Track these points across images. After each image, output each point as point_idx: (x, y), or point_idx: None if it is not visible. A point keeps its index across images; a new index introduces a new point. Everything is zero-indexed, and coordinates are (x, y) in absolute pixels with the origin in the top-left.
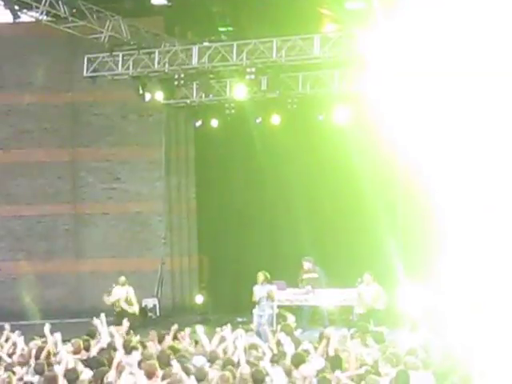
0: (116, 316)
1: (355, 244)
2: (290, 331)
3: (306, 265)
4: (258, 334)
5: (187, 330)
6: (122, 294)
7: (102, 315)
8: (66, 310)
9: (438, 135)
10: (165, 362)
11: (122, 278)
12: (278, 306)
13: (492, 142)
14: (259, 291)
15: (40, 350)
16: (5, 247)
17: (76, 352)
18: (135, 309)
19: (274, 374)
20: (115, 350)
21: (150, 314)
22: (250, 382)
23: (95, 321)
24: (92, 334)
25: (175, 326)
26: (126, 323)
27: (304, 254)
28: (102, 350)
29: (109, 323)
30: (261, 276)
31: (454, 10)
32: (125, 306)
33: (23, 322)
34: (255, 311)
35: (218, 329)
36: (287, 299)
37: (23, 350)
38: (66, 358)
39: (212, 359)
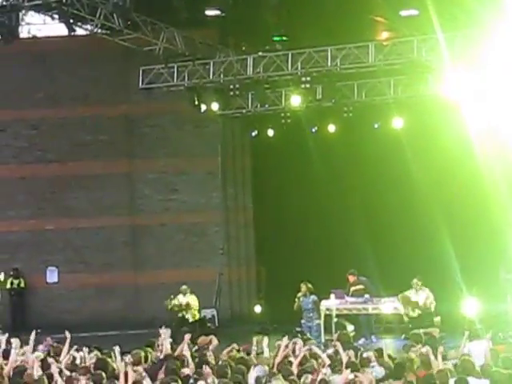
0: (175, 324)
1: (413, 253)
2: (347, 340)
3: (351, 278)
4: None
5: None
6: (184, 302)
7: (164, 329)
8: (125, 322)
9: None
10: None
11: (184, 287)
12: (337, 316)
13: None
14: (305, 304)
15: (99, 361)
16: (63, 260)
17: (136, 363)
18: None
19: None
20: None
21: (208, 325)
22: None
23: (162, 330)
24: (151, 344)
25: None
26: (187, 337)
27: (361, 264)
28: (160, 360)
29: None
30: (303, 287)
31: None
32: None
33: (84, 334)
34: (303, 322)
35: (278, 342)
36: (346, 308)
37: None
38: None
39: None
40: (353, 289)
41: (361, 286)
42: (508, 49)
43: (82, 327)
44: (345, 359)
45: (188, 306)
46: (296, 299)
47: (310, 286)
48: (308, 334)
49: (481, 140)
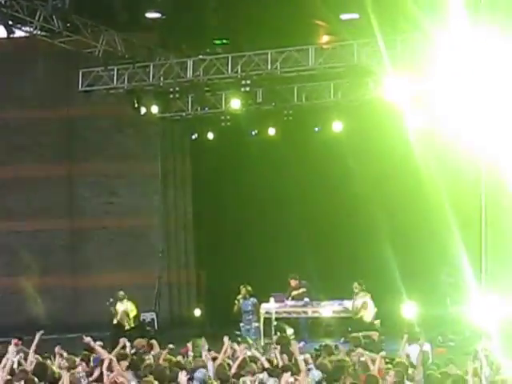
0: (113, 331)
1: (354, 257)
2: (286, 343)
3: (293, 282)
4: None
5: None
6: (121, 309)
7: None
8: (63, 326)
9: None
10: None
11: (121, 293)
12: (276, 319)
13: None
14: (244, 306)
15: (38, 365)
16: (1, 262)
17: (71, 367)
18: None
19: None
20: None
21: (148, 328)
22: None
23: (86, 339)
24: (90, 349)
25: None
26: (122, 341)
27: (301, 268)
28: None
29: (105, 338)
30: (243, 290)
31: None
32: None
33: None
34: (242, 325)
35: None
36: (285, 311)
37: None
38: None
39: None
40: (294, 293)
41: (303, 290)
42: (447, 53)
43: (20, 331)
44: (281, 362)
45: (125, 314)
46: (236, 301)
47: (249, 288)
48: (247, 337)
49: (420, 143)
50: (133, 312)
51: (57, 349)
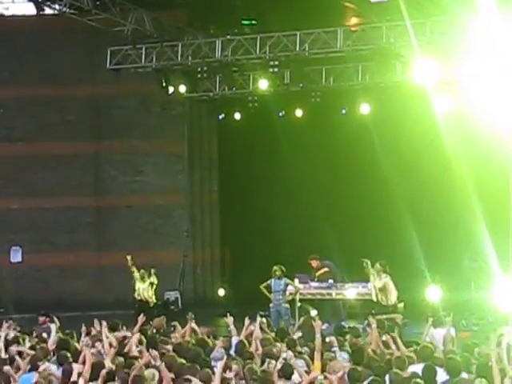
0: (137, 308)
1: (378, 239)
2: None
3: (314, 263)
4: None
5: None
6: (144, 286)
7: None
8: (88, 303)
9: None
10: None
11: (142, 271)
12: (300, 300)
13: None
14: (276, 285)
15: (61, 341)
16: (28, 239)
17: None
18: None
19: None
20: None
21: (171, 307)
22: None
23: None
24: (115, 326)
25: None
26: (141, 318)
27: (326, 249)
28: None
29: (130, 315)
30: (277, 270)
31: None
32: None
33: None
34: (271, 305)
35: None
36: (309, 293)
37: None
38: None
39: (239, 350)
40: (318, 273)
41: (325, 269)
42: (476, 37)
43: (46, 307)
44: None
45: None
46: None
47: (283, 268)
48: (273, 319)
49: (447, 127)
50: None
51: (83, 328)
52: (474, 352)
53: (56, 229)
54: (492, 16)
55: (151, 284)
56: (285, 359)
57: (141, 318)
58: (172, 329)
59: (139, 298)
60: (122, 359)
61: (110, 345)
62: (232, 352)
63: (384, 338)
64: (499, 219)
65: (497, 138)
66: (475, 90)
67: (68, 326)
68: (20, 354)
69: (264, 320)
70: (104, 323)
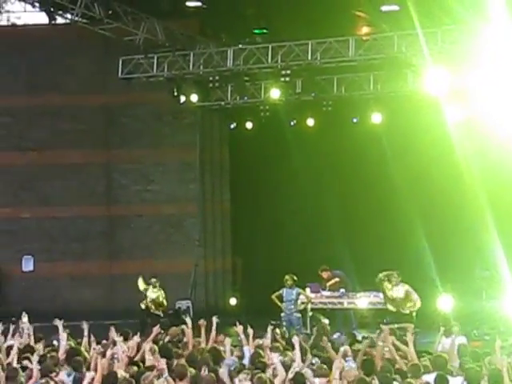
0: (145, 317)
1: (390, 249)
2: (325, 333)
3: (325, 274)
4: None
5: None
6: (153, 296)
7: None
8: (99, 312)
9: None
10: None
11: (153, 280)
12: (312, 309)
13: None
14: (288, 295)
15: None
16: (39, 248)
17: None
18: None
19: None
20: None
21: (183, 316)
22: None
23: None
24: (126, 335)
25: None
26: (156, 329)
27: (337, 259)
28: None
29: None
30: (289, 279)
31: None
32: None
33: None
34: (283, 315)
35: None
36: (321, 302)
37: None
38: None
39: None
40: (329, 284)
41: (336, 279)
42: (487, 47)
43: (57, 316)
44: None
45: (154, 302)
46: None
47: (295, 278)
48: (290, 327)
49: (460, 137)
50: (161, 300)
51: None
52: (485, 361)
53: (67, 238)
54: (503, 25)
55: (158, 296)
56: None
57: (156, 329)
58: (181, 332)
59: (145, 307)
60: (135, 368)
61: (123, 352)
62: (246, 361)
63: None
64: (510, 229)
65: (508, 147)
66: (487, 99)
67: (79, 335)
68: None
69: (278, 331)
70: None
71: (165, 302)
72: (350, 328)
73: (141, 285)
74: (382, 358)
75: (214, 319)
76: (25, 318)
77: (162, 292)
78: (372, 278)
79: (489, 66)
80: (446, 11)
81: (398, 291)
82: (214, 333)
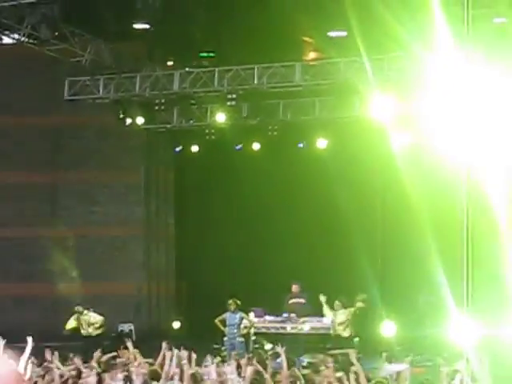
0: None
1: (334, 274)
2: (262, 359)
3: (294, 287)
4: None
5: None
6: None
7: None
8: (41, 334)
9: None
10: None
11: (77, 308)
12: (255, 334)
13: None
14: (231, 319)
15: None
16: None
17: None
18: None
19: None
20: None
21: (125, 339)
22: None
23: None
24: (66, 358)
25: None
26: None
27: (284, 281)
28: None
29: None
30: (232, 304)
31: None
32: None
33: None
34: (226, 339)
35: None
36: (264, 326)
37: None
38: None
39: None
40: (292, 301)
41: (301, 300)
42: (433, 73)
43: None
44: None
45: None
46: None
47: (238, 302)
48: (232, 352)
49: (405, 162)
50: (96, 322)
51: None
52: None
53: (10, 258)
54: (449, 52)
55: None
56: None
57: (96, 354)
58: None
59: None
60: None
61: (61, 376)
62: None
63: (338, 374)
64: (455, 255)
65: (453, 174)
66: (432, 125)
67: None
68: None
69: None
70: (56, 354)
71: (98, 318)
72: (296, 353)
73: (70, 324)
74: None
75: (164, 344)
76: None
77: (91, 313)
78: (316, 301)
79: (434, 93)
80: (392, 38)
81: (340, 317)
82: (161, 356)
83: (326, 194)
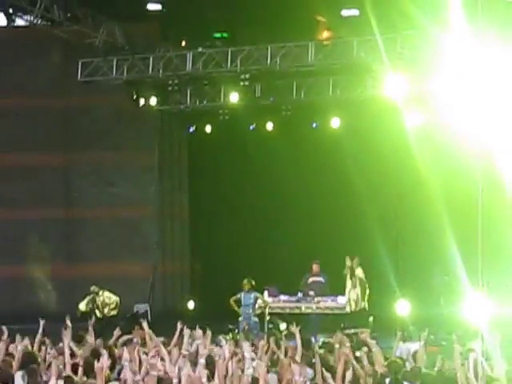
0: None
1: (346, 253)
2: (277, 339)
3: (315, 267)
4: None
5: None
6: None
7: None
8: (57, 315)
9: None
10: None
11: (92, 288)
12: (270, 314)
13: None
14: (246, 299)
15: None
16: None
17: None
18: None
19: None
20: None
21: (141, 320)
22: None
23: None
24: (80, 339)
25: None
26: (117, 332)
27: (298, 261)
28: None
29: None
30: (246, 284)
31: None
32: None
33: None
34: (241, 319)
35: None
36: (279, 306)
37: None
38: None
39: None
40: (312, 279)
41: (321, 279)
42: (446, 52)
43: (16, 319)
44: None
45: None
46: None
47: (253, 282)
48: (247, 332)
49: (418, 141)
50: (112, 303)
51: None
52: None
53: (25, 240)
54: (462, 31)
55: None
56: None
57: (117, 332)
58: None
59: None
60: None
61: (73, 356)
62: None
63: (358, 353)
64: (469, 234)
65: (466, 151)
66: (445, 104)
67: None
68: None
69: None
70: (66, 333)
71: (113, 299)
72: (311, 333)
73: (83, 306)
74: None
75: (179, 324)
76: None
77: (106, 293)
78: (332, 282)
79: (447, 72)
80: (405, 17)
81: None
82: (176, 337)
83: (340, 173)
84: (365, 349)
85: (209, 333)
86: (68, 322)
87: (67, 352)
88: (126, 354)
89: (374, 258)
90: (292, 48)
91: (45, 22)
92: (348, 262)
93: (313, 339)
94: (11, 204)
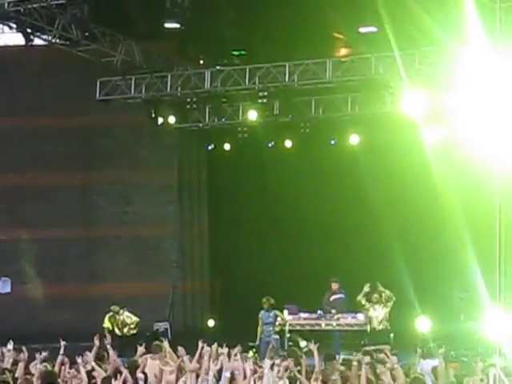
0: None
1: (368, 270)
2: (296, 356)
3: (334, 285)
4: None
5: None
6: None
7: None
8: (76, 334)
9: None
10: None
11: (113, 308)
12: (290, 331)
13: None
14: (266, 317)
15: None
16: (17, 270)
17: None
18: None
19: None
20: None
21: (161, 338)
22: None
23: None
24: (101, 357)
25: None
26: (140, 349)
27: (318, 278)
28: None
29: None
30: (265, 302)
31: None
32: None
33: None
34: (262, 337)
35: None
36: (299, 324)
37: None
38: None
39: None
40: (333, 297)
41: (342, 296)
42: (465, 68)
43: (34, 338)
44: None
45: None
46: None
47: (272, 301)
48: (262, 350)
49: (437, 158)
50: (132, 323)
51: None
52: (462, 383)
53: (45, 259)
54: (480, 47)
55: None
56: None
57: (141, 349)
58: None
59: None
60: None
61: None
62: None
63: (378, 370)
64: (488, 249)
65: (485, 168)
66: (464, 120)
67: (56, 357)
68: None
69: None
70: (89, 354)
71: (133, 319)
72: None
73: (105, 324)
74: (357, 378)
75: (200, 343)
76: (10, 346)
77: (126, 313)
78: (352, 298)
79: (466, 88)
80: (423, 33)
81: (376, 311)
82: (197, 355)
83: (359, 190)
84: (387, 365)
85: (239, 348)
86: (96, 341)
87: (83, 370)
88: (140, 374)
89: (393, 274)
90: (310, 65)
91: (63, 41)
92: (366, 288)
93: (337, 356)
94: (31, 224)
